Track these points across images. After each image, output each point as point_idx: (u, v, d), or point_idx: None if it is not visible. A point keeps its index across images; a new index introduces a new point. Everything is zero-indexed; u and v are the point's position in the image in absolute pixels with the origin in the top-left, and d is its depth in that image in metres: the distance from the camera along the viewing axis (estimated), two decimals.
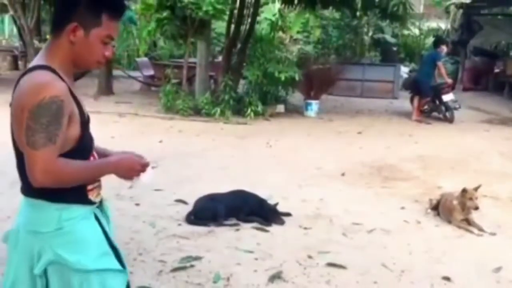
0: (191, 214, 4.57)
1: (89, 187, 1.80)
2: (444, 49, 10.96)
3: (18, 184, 1.78)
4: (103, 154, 1.92)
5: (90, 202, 1.81)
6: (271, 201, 4.85)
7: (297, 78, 10.32)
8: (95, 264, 1.74)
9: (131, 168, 1.83)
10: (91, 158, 1.83)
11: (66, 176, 1.67)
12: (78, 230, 1.74)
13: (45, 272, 1.73)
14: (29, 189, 1.69)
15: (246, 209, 4.65)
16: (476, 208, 4.61)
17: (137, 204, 4.89)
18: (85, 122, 1.76)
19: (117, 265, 1.82)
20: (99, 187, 1.87)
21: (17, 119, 1.63)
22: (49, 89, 1.60)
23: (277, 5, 13.86)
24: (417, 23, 20.62)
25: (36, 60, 1.72)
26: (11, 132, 1.70)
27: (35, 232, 1.72)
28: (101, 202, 1.91)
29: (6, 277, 1.81)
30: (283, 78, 10.19)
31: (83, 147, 1.75)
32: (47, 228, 1.70)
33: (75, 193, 1.73)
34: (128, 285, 1.92)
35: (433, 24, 21.39)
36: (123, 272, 1.85)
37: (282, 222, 4.57)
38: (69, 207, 1.73)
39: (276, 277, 3.52)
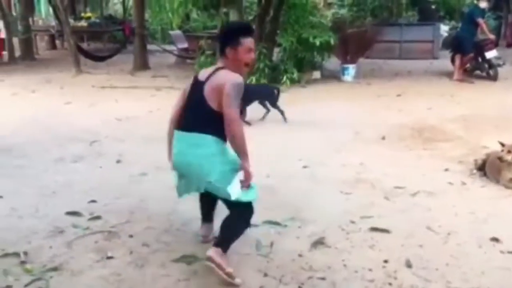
0: None
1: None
2: (484, 4, 10.47)
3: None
4: None
5: None
6: (308, 168, 4.84)
7: (332, 42, 10.12)
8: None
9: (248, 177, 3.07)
10: None
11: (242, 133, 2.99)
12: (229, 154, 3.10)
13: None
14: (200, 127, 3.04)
15: None
16: (502, 160, 4.52)
17: None
18: None
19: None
20: None
21: (219, 92, 2.96)
22: (240, 78, 3.02)
23: None
24: None
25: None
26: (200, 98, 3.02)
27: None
28: None
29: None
30: (318, 43, 10.02)
31: None
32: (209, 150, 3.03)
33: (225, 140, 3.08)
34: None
35: None
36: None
37: None
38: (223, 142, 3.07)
39: (319, 243, 3.50)
